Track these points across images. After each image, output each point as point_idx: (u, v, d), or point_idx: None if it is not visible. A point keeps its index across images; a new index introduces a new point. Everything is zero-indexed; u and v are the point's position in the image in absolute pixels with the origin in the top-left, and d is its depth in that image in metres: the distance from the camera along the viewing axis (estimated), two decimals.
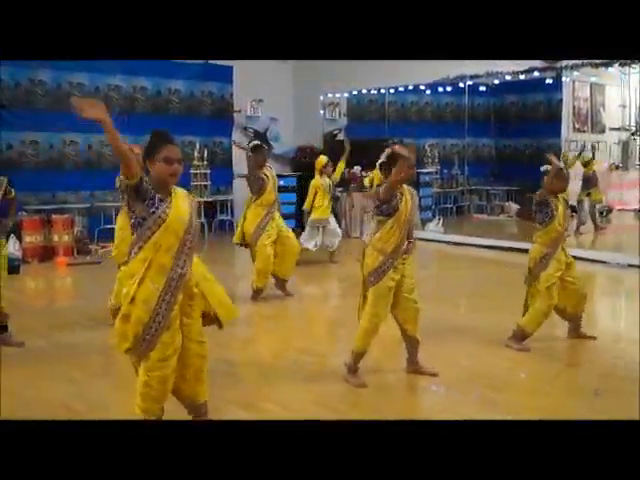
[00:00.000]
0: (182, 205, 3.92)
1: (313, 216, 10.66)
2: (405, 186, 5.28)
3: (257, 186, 8.14)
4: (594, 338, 6.53)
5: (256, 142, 8.58)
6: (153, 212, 3.80)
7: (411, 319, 5.45)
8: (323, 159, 10.68)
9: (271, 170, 8.38)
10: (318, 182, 10.56)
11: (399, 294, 5.34)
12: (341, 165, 10.74)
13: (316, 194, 10.54)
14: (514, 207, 16.85)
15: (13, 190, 6.83)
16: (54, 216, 11.70)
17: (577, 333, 6.58)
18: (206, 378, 4.23)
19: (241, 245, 8.46)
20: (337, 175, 10.75)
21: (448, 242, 13.09)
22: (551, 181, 6.18)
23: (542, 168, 6.46)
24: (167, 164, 3.85)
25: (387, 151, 5.27)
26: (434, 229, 14.32)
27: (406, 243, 5.28)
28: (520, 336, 6.28)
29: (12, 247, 10.68)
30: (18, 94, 12.37)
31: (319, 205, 10.59)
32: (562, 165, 6.62)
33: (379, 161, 5.40)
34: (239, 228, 8.43)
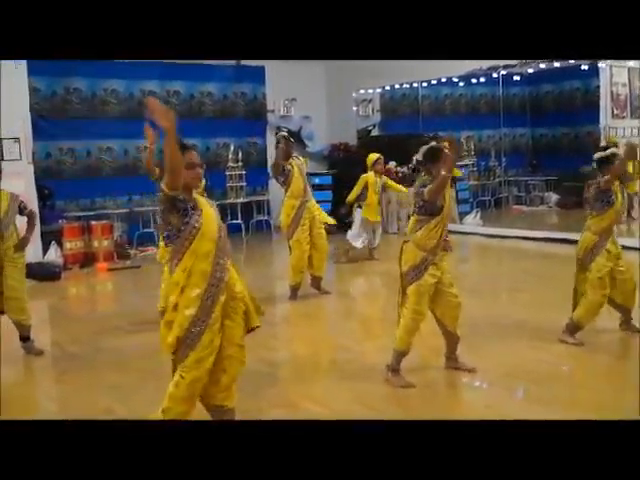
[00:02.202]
0: (210, 211, 4.06)
1: (368, 217, 10.61)
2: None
3: (282, 178, 8.23)
4: None
5: (282, 133, 8.58)
6: (187, 222, 3.91)
7: (451, 314, 5.40)
8: (374, 155, 10.62)
9: (298, 159, 8.43)
10: (372, 178, 10.51)
11: (439, 289, 5.31)
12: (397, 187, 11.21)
13: (366, 190, 10.50)
14: (554, 197, 16.67)
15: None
16: (93, 222, 11.87)
17: (628, 326, 6.38)
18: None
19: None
20: (395, 190, 11.26)
21: (487, 235, 12.98)
22: (621, 165, 5.93)
23: (597, 155, 6.06)
24: (191, 169, 3.99)
25: (424, 149, 5.28)
26: (472, 222, 14.22)
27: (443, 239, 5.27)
28: (574, 329, 6.10)
29: (53, 254, 10.87)
30: (55, 103, 12.57)
31: (370, 202, 10.54)
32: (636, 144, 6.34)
33: (416, 158, 5.36)
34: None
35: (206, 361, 3.97)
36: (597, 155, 6.05)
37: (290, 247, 8.27)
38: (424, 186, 5.15)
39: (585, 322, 6.07)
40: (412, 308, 5.22)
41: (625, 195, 6.71)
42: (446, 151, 4.99)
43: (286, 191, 8.27)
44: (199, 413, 4.15)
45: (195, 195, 4.06)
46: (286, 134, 8.58)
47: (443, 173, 4.96)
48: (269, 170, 14.95)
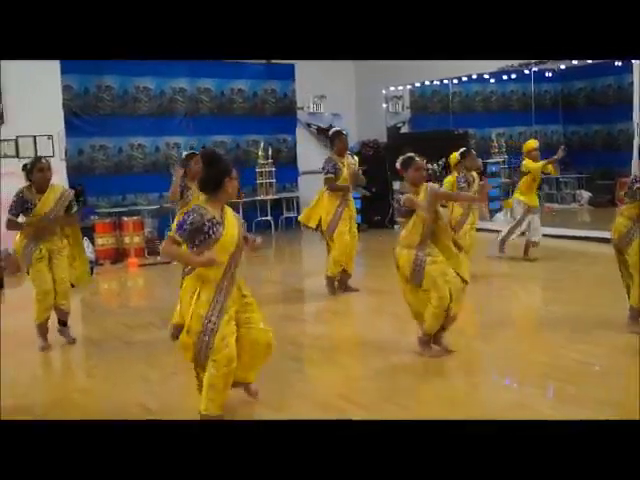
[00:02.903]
0: (233, 223, 4.41)
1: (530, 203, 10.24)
2: (425, 184, 5.82)
3: (332, 174, 8.15)
4: None
5: (336, 129, 8.56)
6: (211, 235, 4.28)
7: (456, 297, 5.60)
8: (533, 142, 10.50)
9: (350, 158, 8.41)
10: (530, 164, 10.21)
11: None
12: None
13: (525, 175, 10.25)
14: (586, 195, 16.49)
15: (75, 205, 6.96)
16: (125, 218, 11.97)
17: None
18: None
19: (306, 227, 8.53)
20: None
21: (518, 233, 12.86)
22: None
23: None
24: (235, 181, 4.44)
25: (400, 158, 5.97)
26: (503, 219, 14.12)
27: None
28: (637, 314, 6.11)
29: (85, 250, 10.95)
30: (87, 101, 12.71)
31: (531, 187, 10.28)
32: None
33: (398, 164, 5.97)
34: (307, 210, 8.53)
35: (227, 361, 4.35)
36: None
37: (329, 242, 8.24)
38: (402, 193, 5.73)
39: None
40: (435, 295, 5.52)
41: None
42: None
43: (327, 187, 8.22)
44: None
45: (226, 208, 4.43)
46: (340, 129, 8.56)
47: (420, 213, 5.59)
48: (299, 167, 15.08)
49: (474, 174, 8.75)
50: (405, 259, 5.70)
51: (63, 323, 6.89)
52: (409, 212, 5.65)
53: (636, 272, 6.02)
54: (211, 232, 4.27)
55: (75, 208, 6.90)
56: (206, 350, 4.34)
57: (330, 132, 8.61)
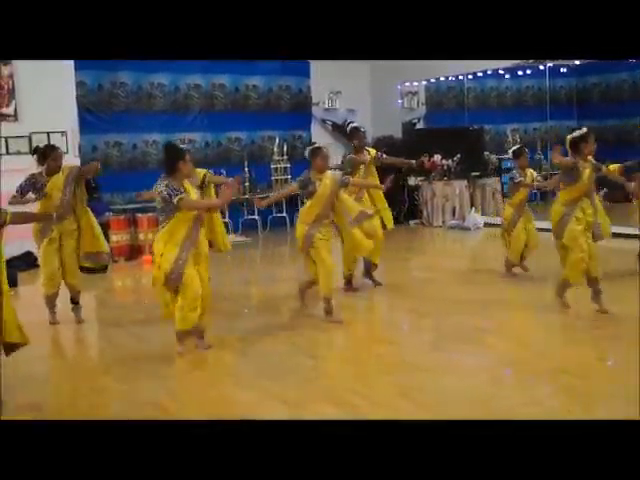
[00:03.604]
0: (194, 193, 6.00)
1: None
2: (328, 172, 6.95)
3: (350, 169, 7.97)
4: None
5: (354, 125, 8.39)
6: (172, 197, 5.71)
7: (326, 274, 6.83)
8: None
9: (368, 153, 8.27)
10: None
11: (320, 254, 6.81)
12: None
13: None
14: (601, 190, 16.30)
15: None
16: (139, 215, 11.86)
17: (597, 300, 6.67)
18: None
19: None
20: None
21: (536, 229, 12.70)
22: (589, 146, 6.69)
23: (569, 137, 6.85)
24: (189, 163, 5.95)
25: (308, 148, 7.30)
26: None
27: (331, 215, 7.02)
28: (563, 287, 6.76)
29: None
30: (101, 97, 12.61)
31: None
32: None
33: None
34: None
35: (196, 289, 5.83)
36: (570, 137, 6.76)
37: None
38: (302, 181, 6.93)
39: (573, 280, 6.61)
40: (321, 265, 6.83)
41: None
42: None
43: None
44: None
45: (186, 184, 5.90)
46: (357, 125, 8.39)
47: (319, 195, 6.84)
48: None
49: (529, 172, 8.57)
50: (299, 232, 6.88)
51: (75, 302, 7.42)
52: (311, 193, 6.81)
53: (570, 252, 6.52)
54: (173, 195, 5.70)
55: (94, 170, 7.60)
56: (177, 281, 5.79)
57: (348, 129, 8.44)
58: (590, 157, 6.70)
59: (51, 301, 7.28)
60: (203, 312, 5.98)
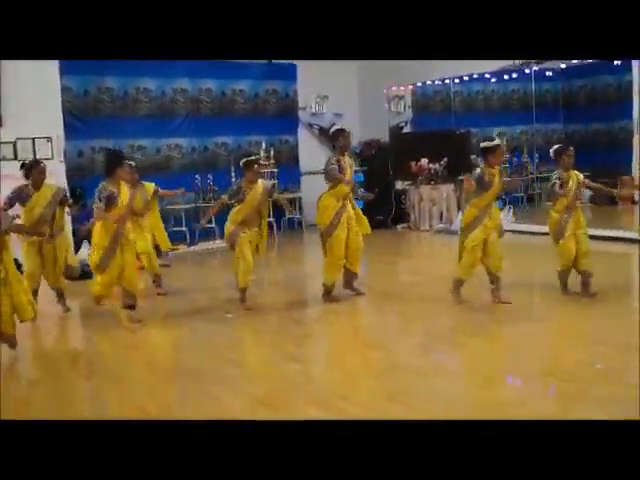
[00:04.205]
0: (126, 196, 7.16)
1: None
2: (260, 181, 7.71)
3: (333, 175, 7.74)
4: None
5: (338, 127, 8.23)
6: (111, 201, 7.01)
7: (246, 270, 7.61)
8: None
9: (351, 159, 8.10)
10: None
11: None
12: None
13: None
14: (587, 193, 16.30)
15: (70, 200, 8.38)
16: None
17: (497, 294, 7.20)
18: None
19: None
20: None
21: (519, 231, 12.70)
22: (499, 155, 7.15)
23: (482, 144, 7.16)
24: (125, 168, 7.28)
25: (243, 160, 7.79)
26: (504, 218, 13.92)
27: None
28: (457, 284, 7.29)
29: (85, 253, 10.75)
30: (87, 102, 12.50)
31: None
32: None
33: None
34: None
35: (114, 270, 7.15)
36: (482, 144, 7.17)
37: (325, 245, 7.86)
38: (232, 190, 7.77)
39: (461, 276, 7.29)
40: (240, 260, 7.56)
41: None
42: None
43: (330, 188, 7.83)
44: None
45: (121, 185, 7.16)
46: (341, 127, 8.23)
47: (248, 201, 7.67)
48: (301, 168, 14.89)
49: (572, 173, 7.67)
50: (226, 230, 7.77)
51: (60, 295, 8.17)
52: (240, 201, 7.59)
53: (466, 254, 7.16)
54: (111, 200, 6.97)
55: (70, 201, 8.31)
56: (105, 267, 7.10)
57: (331, 130, 8.18)
58: (497, 166, 7.23)
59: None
60: (128, 289, 7.31)
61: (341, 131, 7.99)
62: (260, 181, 7.76)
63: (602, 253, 9.66)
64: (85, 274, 8.75)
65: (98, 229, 7.17)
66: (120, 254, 7.16)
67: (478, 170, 7.13)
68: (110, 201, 7.00)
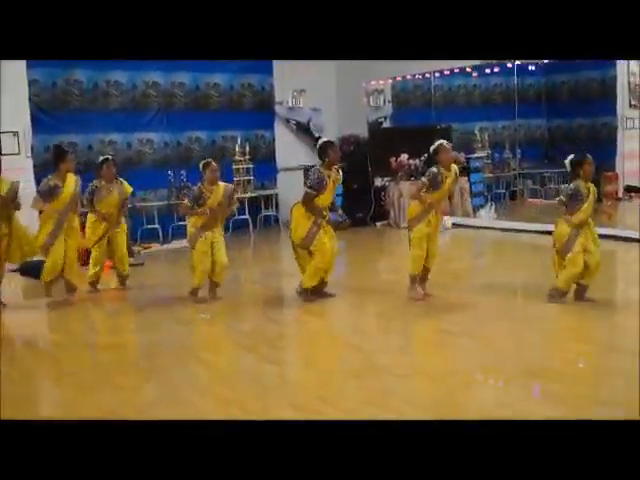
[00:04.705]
0: (70, 186, 8.29)
1: None
2: (221, 183, 8.00)
3: (313, 206, 7.62)
4: None
5: (326, 140, 7.97)
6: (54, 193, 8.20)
7: (217, 271, 7.98)
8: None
9: (338, 172, 7.83)
10: None
11: (213, 252, 7.91)
12: None
13: None
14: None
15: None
16: None
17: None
18: None
19: None
20: None
21: (501, 229, 12.77)
22: (445, 154, 7.41)
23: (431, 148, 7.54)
24: (70, 162, 8.39)
25: (203, 162, 8.09)
26: (486, 215, 14.02)
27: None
28: (412, 280, 7.62)
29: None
30: (55, 95, 12.37)
31: None
32: None
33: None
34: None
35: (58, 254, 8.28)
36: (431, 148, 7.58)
37: (301, 255, 7.84)
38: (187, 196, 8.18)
39: (413, 271, 7.59)
40: (195, 261, 7.92)
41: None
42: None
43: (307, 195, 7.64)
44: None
45: (68, 177, 8.26)
46: (333, 140, 8.15)
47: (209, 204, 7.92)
48: (277, 164, 14.88)
49: (592, 187, 7.23)
50: (188, 233, 8.04)
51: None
52: (203, 204, 7.80)
53: (412, 248, 7.55)
54: (54, 191, 8.14)
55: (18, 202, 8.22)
56: (49, 246, 8.24)
57: (319, 144, 7.87)
58: (453, 165, 7.57)
59: None
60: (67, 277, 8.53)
61: (330, 144, 7.82)
62: (221, 184, 8.03)
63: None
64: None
65: (43, 216, 8.34)
66: (64, 240, 8.28)
67: (434, 169, 7.42)
68: (53, 192, 8.16)
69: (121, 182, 9.03)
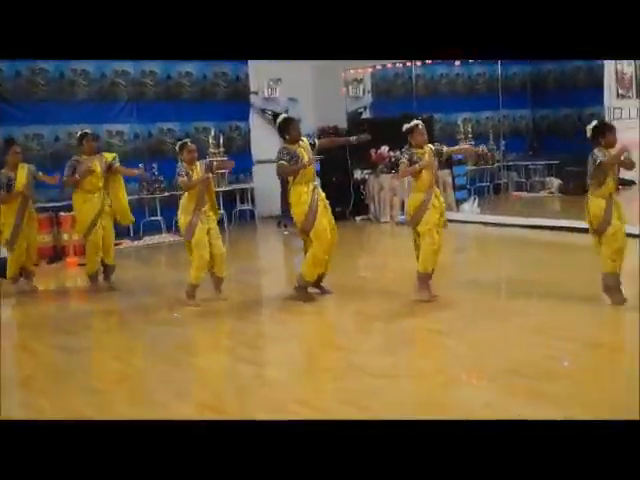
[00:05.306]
0: (22, 175, 8.86)
1: None
2: (197, 162, 7.90)
3: (292, 167, 7.59)
4: None
5: (285, 115, 8.15)
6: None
7: (218, 262, 7.89)
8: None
9: (304, 142, 7.84)
10: None
11: (210, 241, 7.77)
12: None
13: None
14: (556, 182, 16.57)
15: None
16: (62, 214, 11.62)
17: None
18: None
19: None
20: None
21: (485, 223, 12.86)
22: (418, 135, 7.48)
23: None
24: (16, 153, 9.07)
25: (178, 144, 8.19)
26: (469, 209, 14.10)
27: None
28: (423, 278, 7.39)
29: None
30: (19, 85, 12.27)
31: None
32: None
33: None
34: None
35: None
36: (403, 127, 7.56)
37: (306, 241, 7.81)
38: (179, 174, 7.75)
39: (425, 269, 7.33)
40: (196, 249, 7.69)
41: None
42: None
43: (294, 178, 7.67)
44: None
45: (18, 170, 8.79)
46: (288, 115, 8.20)
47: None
48: (253, 156, 14.86)
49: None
50: (184, 222, 7.73)
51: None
52: (192, 185, 7.67)
53: (424, 241, 7.30)
54: (8, 184, 8.67)
55: None
56: (14, 241, 8.73)
57: (278, 120, 8.00)
58: (428, 145, 7.59)
59: None
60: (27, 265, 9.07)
61: (289, 121, 7.90)
62: (197, 162, 7.99)
63: (572, 246, 9.84)
64: None
65: (3, 210, 8.78)
66: (25, 229, 8.84)
67: (405, 150, 7.54)
68: (7, 185, 8.72)
69: (101, 155, 9.00)
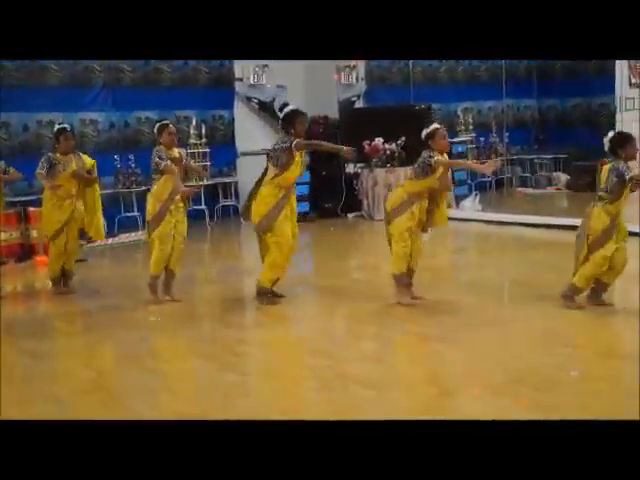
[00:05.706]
0: None
1: None
2: (175, 149, 8.05)
3: (284, 161, 7.49)
4: None
5: (293, 107, 7.78)
6: None
7: (175, 256, 8.00)
8: None
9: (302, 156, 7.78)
10: None
11: (174, 234, 7.93)
12: None
13: None
14: (563, 178, 16.62)
15: None
16: (31, 209, 11.56)
17: None
18: None
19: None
20: None
21: (487, 221, 12.90)
22: (441, 139, 7.21)
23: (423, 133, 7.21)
24: None
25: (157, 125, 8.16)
26: (470, 206, 14.12)
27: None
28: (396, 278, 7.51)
29: None
30: None
31: None
32: None
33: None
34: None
35: None
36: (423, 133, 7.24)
37: (262, 242, 7.81)
38: (160, 158, 7.75)
39: (396, 271, 7.45)
40: (156, 246, 7.88)
41: None
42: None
43: (274, 177, 7.57)
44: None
45: None
46: (296, 108, 7.87)
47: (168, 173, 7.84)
48: (237, 148, 14.86)
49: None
50: (153, 209, 7.87)
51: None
52: (162, 172, 7.76)
53: (395, 244, 7.42)
54: None
55: None
56: None
57: (284, 112, 7.70)
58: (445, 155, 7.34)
59: None
60: None
61: (297, 114, 7.66)
62: (176, 149, 8.13)
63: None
64: None
65: None
66: None
67: (425, 154, 7.18)
68: None
69: (79, 155, 8.90)
